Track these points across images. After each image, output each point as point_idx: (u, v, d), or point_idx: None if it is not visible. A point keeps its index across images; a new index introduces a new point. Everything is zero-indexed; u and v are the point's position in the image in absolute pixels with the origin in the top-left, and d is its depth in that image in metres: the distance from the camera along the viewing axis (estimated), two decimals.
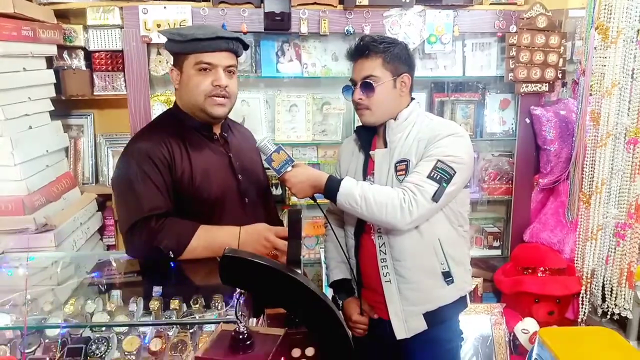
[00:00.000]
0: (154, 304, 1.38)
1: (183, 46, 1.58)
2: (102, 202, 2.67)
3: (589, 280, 2.31)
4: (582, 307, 2.33)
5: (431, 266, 1.65)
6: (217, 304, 1.39)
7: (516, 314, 2.46)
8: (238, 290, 1.01)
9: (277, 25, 2.44)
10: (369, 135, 1.77)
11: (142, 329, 1.40)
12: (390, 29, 2.53)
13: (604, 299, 2.27)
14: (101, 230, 2.67)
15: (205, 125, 1.69)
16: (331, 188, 1.58)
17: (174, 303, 1.39)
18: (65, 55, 2.52)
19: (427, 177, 1.54)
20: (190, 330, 1.40)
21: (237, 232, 1.54)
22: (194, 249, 1.50)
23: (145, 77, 2.51)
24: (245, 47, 1.72)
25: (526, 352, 2.28)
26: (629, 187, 2.12)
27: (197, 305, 1.39)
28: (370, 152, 1.74)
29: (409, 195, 1.53)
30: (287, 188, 1.65)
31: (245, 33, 2.48)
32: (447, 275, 1.65)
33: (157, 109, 2.62)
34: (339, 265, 1.85)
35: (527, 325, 2.35)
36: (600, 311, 2.30)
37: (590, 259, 2.29)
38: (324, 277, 2.24)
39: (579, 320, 2.35)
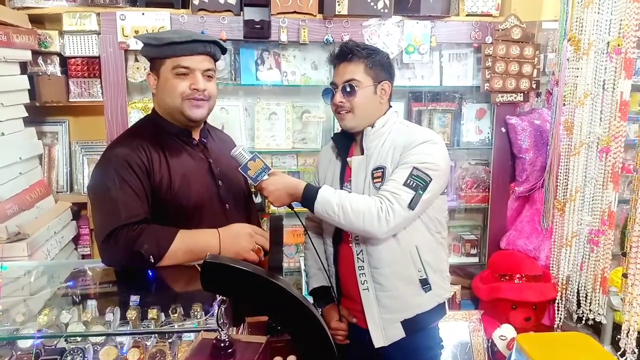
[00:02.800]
0: (131, 314, 1.35)
1: (159, 50, 1.56)
2: (77, 211, 2.61)
3: (564, 287, 2.35)
4: (557, 313, 2.37)
5: (408, 274, 1.65)
6: (196, 312, 1.37)
7: (494, 321, 2.49)
8: (219, 297, 0.99)
9: (257, 33, 2.44)
10: (346, 143, 1.78)
11: (119, 339, 1.38)
12: (369, 38, 2.56)
13: (579, 305, 2.31)
14: (76, 240, 2.60)
15: (184, 131, 1.67)
16: (309, 196, 1.57)
17: (152, 312, 1.36)
18: (40, 60, 2.47)
19: (403, 184, 1.54)
20: (169, 340, 1.38)
21: (216, 233, 1.53)
22: (174, 253, 1.47)
23: (123, 83, 2.48)
24: (224, 51, 1.72)
25: (504, 359, 2.30)
26: (602, 194, 2.17)
27: (176, 315, 1.36)
28: (348, 159, 1.74)
29: (385, 204, 1.53)
30: (264, 196, 1.63)
31: (224, 41, 2.47)
32: (424, 283, 1.65)
33: (135, 116, 2.59)
34: (318, 273, 1.85)
35: (505, 332, 2.38)
36: (575, 317, 2.34)
37: (565, 265, 2.33)
38: (304, 286, 2.23)
39: (555, 326, 2.39)
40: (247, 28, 2.44)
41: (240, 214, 1.73)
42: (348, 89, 1.65)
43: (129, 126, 2.50)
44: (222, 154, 1.74)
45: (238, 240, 1.54)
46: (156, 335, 1.38)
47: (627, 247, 1.92)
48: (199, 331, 1.11)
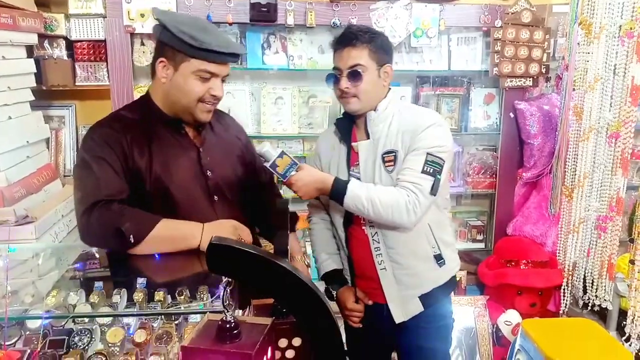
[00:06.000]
0: (138, 296, 1.36)
1: (192, 50, 1.44)
2: None
3: (570, 273, 2.35)
4: (563, 299, 2.37)
5: (424, 251, 1.71)
6: (202, 295, 1.38)
7: (499, 306, 2.49)
8: (225, 279, 1.00)
9: (263, 16, 2.42)
10: (348, 127, 1.78)
11: (126, 320, 1.39)
12: (377, 22, 2.53)
13: (585, 291, 2.31)
14: None
15: (176, 120, 1.58)
16: (338, 191, 1.61)
17: (159, 295, 1.36)
18: (46, 44, 2.47)
19: (422, 172, 1.58)
20: (176, 322, 1.39)
21: (200, 226, 1.46)
22: (154, 238, 1.41)
23: (129, 67, 2.47)
24: None
25: (509, 344, 2.31)
26: (610, 180, 2.15)
27: (183, 297, 1.37)
28: (353, 144, 1.75)
29: (412, 196, 1.57)
30: (293, 191, 1.64)
31: (230, 24, 2.46)
32: (439, 258, 1.72)
33: None
34: (330, 257, 1.87)
35: (510, 317, 2.38)
36: (581, 303, 2.34)
37: (572, 251, 2.32)
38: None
39: (561, 311, 2.39)
40: (254, 11, 2.41)
41: (233, 207, 1.65)
42: (354, 74, 1.65)
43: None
44: (218, 142, 1.67)
45: (220, 233, 1.43)
46: (163, 317, 1.39)
47: (634, 234, 1.91)
48: (204, 313, 1.11)
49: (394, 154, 1.65)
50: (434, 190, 1.59)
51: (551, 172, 2.50)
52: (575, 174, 2.29)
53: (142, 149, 1.50)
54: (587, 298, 2.29)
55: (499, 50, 2.58)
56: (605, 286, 2.19)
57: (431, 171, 1.59)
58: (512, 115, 2.65)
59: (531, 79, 2.63)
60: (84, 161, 1.47)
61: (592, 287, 2.26)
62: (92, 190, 1.43)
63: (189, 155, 1.58)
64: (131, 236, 1.38)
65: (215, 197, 1.61)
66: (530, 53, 2.58)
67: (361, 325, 1.82)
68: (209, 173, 1.59)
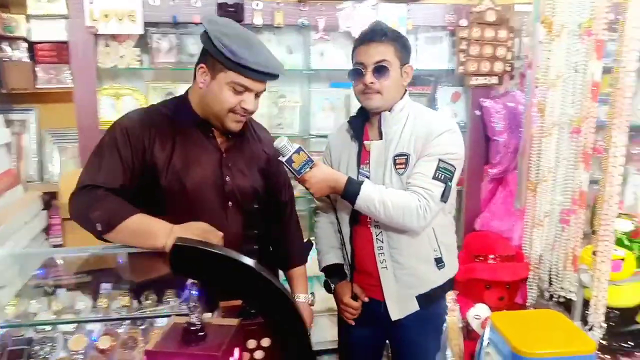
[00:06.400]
0: (102, 301, 1.34)
1: (229, 63, 1.44)
2: (48, 201, 2.56)
3: (536, 266, 2.40)
4: (530, 292, 2.42)
5: (425, 253, 1.74)
6: (169, 299, 1.36)
7: (468, 301, 2.52)
8: (190, 280, 0.98)
9: (230, 16, 2.39)
10: (361, 125, 1.80)
11: (90, 327, 1.36)
12: (344, 21, 2.54)
13: (550, 283, 2.36)
14: (47, 230, 2.56)
15: (205, 122, 1.58)
16: (351, 191, 1.62)
17: (124, 300, 1.35)
18: (5, 46, 2.40)
19: (433, 178, 1.62)
20: (142, 327, 1.36)
21: (170, 227, 1.43)
22: (123, 230, 1.39)
23: (93, 69, 2.43)
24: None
25: (479, 338, 2.34)
26: (573, 174, 2.21)
27: (149, 302, 1.36)
28: (365, 143, 1.77)
29: (423, 202, 1.60)
30: (305, 188, 1.66)
31: (197, 24, 2.43)
32: (439, 261, 1.75)
33: (105, 102, 2.54)
34: (331, 251, 1.90)
35: (479, 311, 2.41)
36: (547, 294, 2.39)
37: (537, 245, 2.37)
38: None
39: (528, 304, 2.43)
40: (221, 11, 2.40)
41: (244, 216, 1.64)
42: (380, 70, 1.66)
43: (99, 113, 2.47)
44: (245, 153, 1.66)
45: (187, 235, 1.40)
46: (129, 322, 1.37)
47: (596, 226, 1.96)
48: (169, 316, 1.10)
49: (405, 157, 1.67)
50: (444, 197, 1.63)
51: (516, 167, 2.55)
52: (539, 169, 2.34)
53: (165, 143, 1.52)
54: (552, 290, 2.34)
55: (464, 49, 2.62)
56: (569, 278, 2.25)
57: (442, 178, 1.62)
58: (478, 112, 2.69)
59: (496, 77, 2.68)
60: (100, 146, 1.51)
61: (557, 279, 2.31)
62: (92, 174, 1.47)
63: (212, 157, 1.58)
64: (99, 224, 1.38)
65: (230, 203, 1.60)
66: (495, 51, 2.63)
67: (354, 323, 1.85)
68: (227, 178, 1.59)
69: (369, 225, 1.76)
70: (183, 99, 1.62)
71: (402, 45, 1.71)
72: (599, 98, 2.11)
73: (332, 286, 1.89)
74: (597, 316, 1.98)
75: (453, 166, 1.65)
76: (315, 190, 1.64)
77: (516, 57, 2.77)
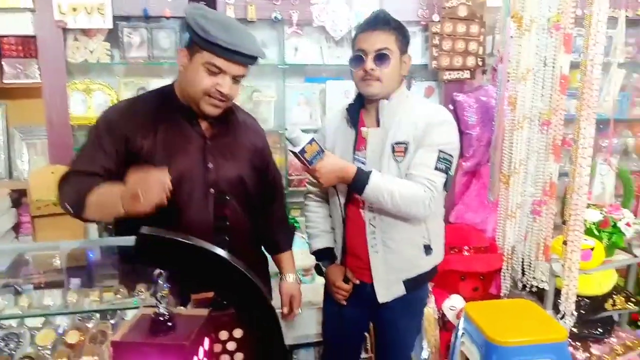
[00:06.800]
0: (72, 296, 1.31)
1: (202, 42, 1.45)
2: (17, 198, 2.50)
3: (509, 256, 2.44)
4: (503, 282, 2.46)
5: (415, 239, 1.78)
6: (140, 293, 1.35)
7: (444, 292, 2.55)
8: (157, 270, 0.97)
9: None
10: (356, 112, 1.81)
11: (58, 322, 1.33)
12: (318, 16, 2.54)
13: (523, 273, 2.40)
14: (17, 228, 2.49)
15: (189, 109, 1.58)
16: (359, 181, 1.64)
17: (94, 294, 1.32)
18: None
19: (435, 169, 1.66)
20: (112, 321, 1.34)
21: (118, 188, 1.36)
22: (89, 206, 1.39)
23: (62, 64, 2.38)
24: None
25: (454, 328, 2.37)
26: (544, 166, 2.25)
27: (119, 296, 1.34)
28: (362, 129, 1.78)
29: (428, 192, 1.64)
30: (315, 177, 1.68)
31: (168, 18, 2.40)
32: (427, 248, 1.80)
33: (75, 98, 2.49)
34: (322, 234, 1.93)
35: (454, 302, 2.45)
36: (520, 284, 2.43)
37: (510, 236, 2.41)
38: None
39: (502, 294, 2.47)
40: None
41: (228, 203, 1.63)
42: (381, 57, 1.67)
43: (69, 109, 2.42)
44: (230, 141, 1.66)
45: (130, 189, 1.33)
46: (98, 316, 1.34)
47: (567, 216, 2.00)
48: (137, 308, 1.08)
49: (405, 145, 1.69)
50: (447, 186, 1.70)
51: (489, 160, 2.59)
52: (511, 162, 2.38)
53: (148, 131, 1.53)
54: (525, 280, 2.38)
55: (437, 44, 2.65)
56: (541, 267, 2.29)
57: (443, 168, 1.66)
58: (451, 107, 2.72)
59: (468, 71, 2.71)
60: (88, 136, 1.58)
61: (529, 269, 2.36)
62: (73, 162, 1.55)
63: (195, 144, 1.59)
64: (70, 206, 1.42)
65: (212, 190, 1.60)
66: (467, 46, 2.66)
67: (345, 303, 1.89)
68: (210, 165, 1.59)
69: (361, 209, 1.78)
70: (169, 88, 1.63)
71: (403, 35, 1.73)
72: (568, 92, 2.16)
73: (324, 269, 1.93)
74: (568, 305, 2.02)
75: (452, 156, 1.69)
76: (325, 180, 1.66)
77: (489, 54, 2.81)
